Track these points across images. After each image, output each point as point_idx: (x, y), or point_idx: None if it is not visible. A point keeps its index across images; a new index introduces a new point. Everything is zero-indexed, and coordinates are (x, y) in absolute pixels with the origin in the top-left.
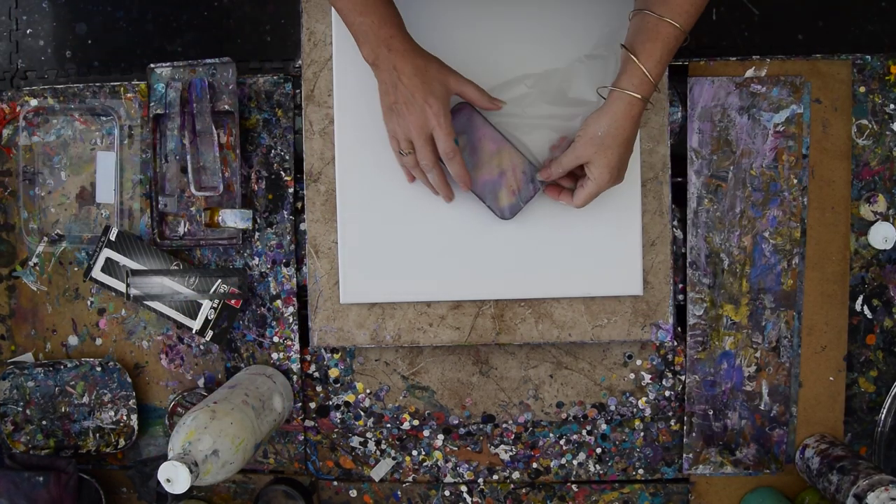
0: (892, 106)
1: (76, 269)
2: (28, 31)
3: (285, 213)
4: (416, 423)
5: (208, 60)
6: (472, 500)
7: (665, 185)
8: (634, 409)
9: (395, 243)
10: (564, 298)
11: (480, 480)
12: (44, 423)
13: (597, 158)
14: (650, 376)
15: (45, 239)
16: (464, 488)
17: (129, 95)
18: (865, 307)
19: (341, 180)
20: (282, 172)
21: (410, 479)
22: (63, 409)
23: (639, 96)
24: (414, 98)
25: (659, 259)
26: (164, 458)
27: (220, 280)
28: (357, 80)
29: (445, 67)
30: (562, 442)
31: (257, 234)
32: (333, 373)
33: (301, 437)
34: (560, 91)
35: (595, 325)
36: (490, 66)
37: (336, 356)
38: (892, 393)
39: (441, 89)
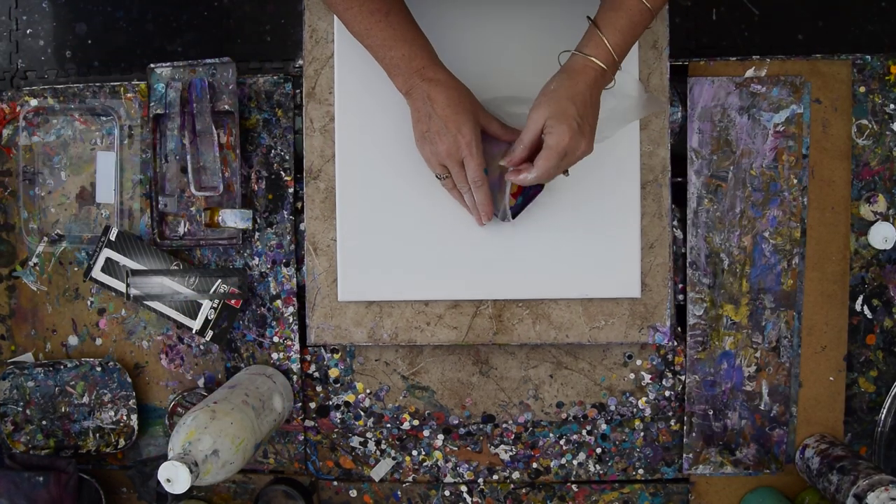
0: (892, 106)
1: (76, 269)
2: (28, 31)
3: (285, 213)
4: (416, 423)
5: (208, 60)
6: (472, 500)
7: (665, 187)
8: (634, 409)
9: (394, 242)
10: (562, 300)
11: (480, 480)
12: (44, 423)
13: (553, 112)
14: (650, 376)
15: (45, 239)
16: (464, 488)
17: (129, 95)
18: (865, 307)
19: (341, 178)
20: (282, 172)
21: (410, 479)
22: (63, 409)
23: (596, 60)
24: (447, 128)
25: (657, 262)
26: (164, 458)
27: (220, 280)
28: (358, 78)
29: (476, 100)
30: (562, 442)
31: (257, 234)
32: (333, 373)
33: (301, 437)
34: None
35: (592, 326)
36: (496, 79)
37: (336, 356)
38: (892, 393)
39: (473, 119)
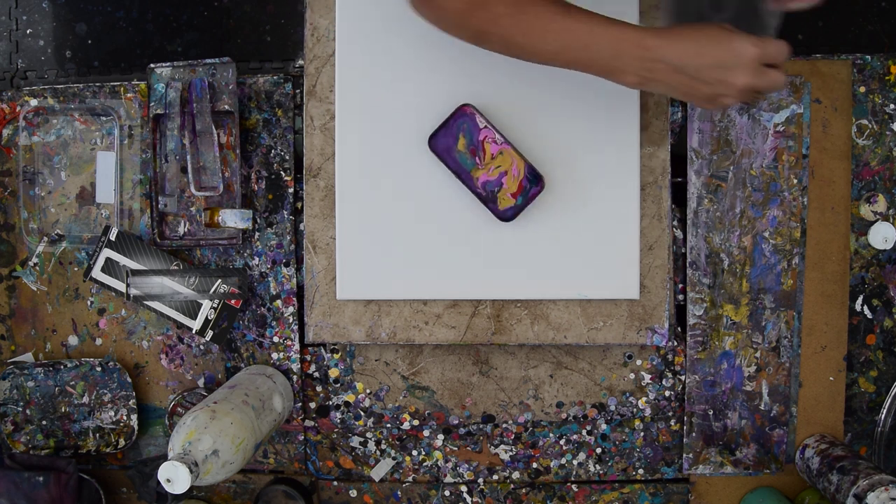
0: (892, 106)
1: (76, 269)
2: (28, 31)
3: (285, 213)
4: (416, 423)
5: (208, 60)
6: (472, 500)
7: (665, 189)
8: (634, 409)
9: (394, 241)
10: (561, 300)
11: (480, 480)
12: (44, 423)
13: None
14: (650, 376)
15: (45, 239)
16: (464, 488)
17: (129, 95)
18: (865, 307)
19: (341, 176)
20: (282, 172)
21: (410, 479)
22: (63, 409)
23: None
24: (726, 60)
25: (656, 263)
26: (164, 458)
27: (220, 280)
28: (359, 77)
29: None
30: (562, 442)
31: (257, 234)
32: (333, 373)
33: (301, 437)
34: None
35: (591, 327)
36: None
37: (336, 356)
38: (892, 393)
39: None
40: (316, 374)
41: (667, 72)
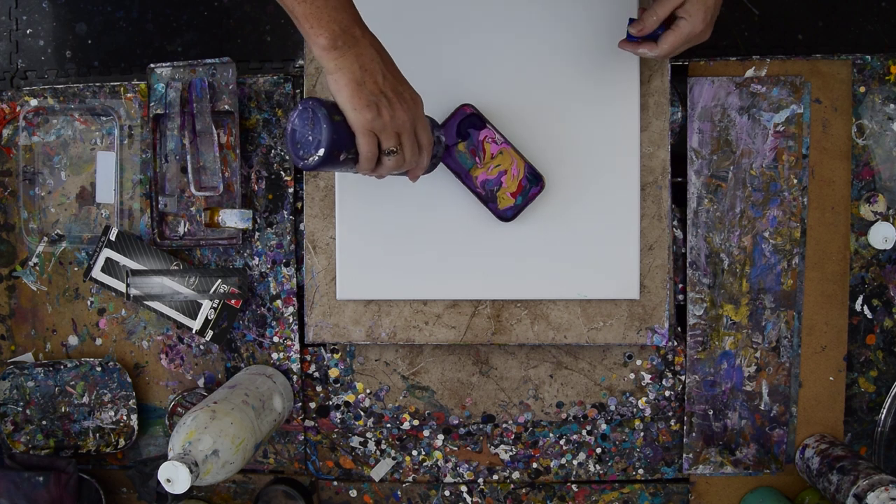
0: (892, 106)
1: (76, 269)
2: (28, 31)
3: (285, 213)
4: (416, 423)
5: (208, 60)
6: (472, 500)
7: (665, 189)
8: (634, 409)
9: (393, 241)
10: (561, 300)
11: (480, 480)
12: (44, 423)
13: None
14: (650, 376)
15: (45, 239)
16: (464, 488)
17: (129, 95)
18: (865, 307)
19: (341, 176)
20: (282, 172)
21: (410, 479)
22: (63, 409)
23: None
24: (404, 89)
25: (656, 263)
26: (164, 458)
27: (220, 280)
28: None
29: None
30: (562, 442)
31: (257, 234)
32: (333, 373)
33: (301, 437)
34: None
35: (591, 327)
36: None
37: (336, 356)
38: (892, 393)
39: None
40: (316, 374)
41: (366, 53)
